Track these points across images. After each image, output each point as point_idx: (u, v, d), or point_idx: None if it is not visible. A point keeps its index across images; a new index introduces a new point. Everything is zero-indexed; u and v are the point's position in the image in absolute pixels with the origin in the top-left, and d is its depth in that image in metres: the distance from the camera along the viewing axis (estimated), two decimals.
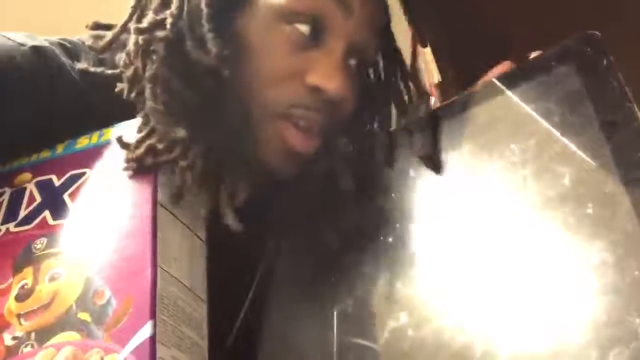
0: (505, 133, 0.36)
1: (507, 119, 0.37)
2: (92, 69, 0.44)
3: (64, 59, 0.45)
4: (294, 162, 0.41)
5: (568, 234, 0.31)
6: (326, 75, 0.39)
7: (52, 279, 0.37)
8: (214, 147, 0.40)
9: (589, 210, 0.31)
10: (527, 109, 0.36)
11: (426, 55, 0.59)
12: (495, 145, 0.36)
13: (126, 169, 0.40)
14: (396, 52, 0.46)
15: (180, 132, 0.38)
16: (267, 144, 0.40)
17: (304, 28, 0.39)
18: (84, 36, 0.45)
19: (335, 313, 0.38)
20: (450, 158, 0.38)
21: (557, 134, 0.34)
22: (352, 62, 0.42)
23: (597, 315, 0.29)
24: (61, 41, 0.46)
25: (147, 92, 0.39)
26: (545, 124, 0.34)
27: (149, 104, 0.39)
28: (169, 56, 0.39)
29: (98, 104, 0.43)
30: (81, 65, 0.45)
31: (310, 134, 0.41)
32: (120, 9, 0.42)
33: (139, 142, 0.40)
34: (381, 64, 0.45)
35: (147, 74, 0.39)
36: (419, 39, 0.55)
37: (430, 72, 0.61)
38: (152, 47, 0.39)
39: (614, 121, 0.32)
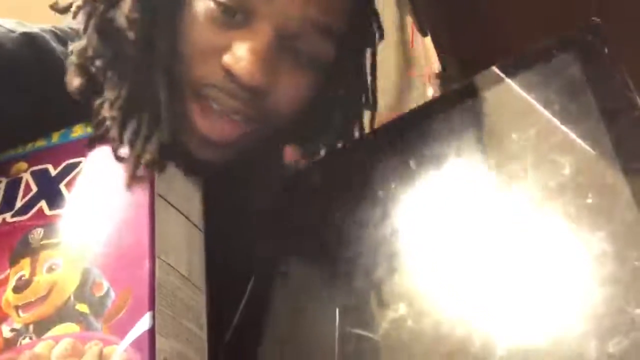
0: (505, 122, 0.36)
1: (507, 108, 0.37)
2: None
3: (55, 45, 0.44)
4: (206, 147, 0.40)
5: (568, 224, 0.31)
6: (240, 58, 0.37)
7: (49, 270, 0.37)
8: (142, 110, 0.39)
9: (589, 200, 0.31)
10: (528, 97, 0.36)
11: (426, 44, 0.59)
12: (495, 134, 0.36)
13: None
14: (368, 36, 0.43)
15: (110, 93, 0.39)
16: (180, 122, 0.39)
17: (228, 5, 0.37)
18: (74, 23, 0.45)
19: (336, 305, 0.38)
20: (450, 148, 0.38)
21: (558, 123, 0.33)
22: (299, 49, 0.39)
23: (597, 306, 0.29)
24: (52, 28, 0.45)
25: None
26: (545, 112, 0.34)
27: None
28: (100, 17, 0.39)
29: None
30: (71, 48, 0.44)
31: (226, 120, 0.39)
32: None
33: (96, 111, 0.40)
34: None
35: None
36: (419, 28, 0.54)
37: (430, 61, 0.60)
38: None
39: (615, 110, 0.32)
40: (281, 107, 0.40)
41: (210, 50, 0.38)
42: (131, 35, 0.38)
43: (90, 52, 0.40)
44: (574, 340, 0.29)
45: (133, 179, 0.38)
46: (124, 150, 0.39)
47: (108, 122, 0.40)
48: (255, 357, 0.40)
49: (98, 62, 0.40)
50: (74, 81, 0.41)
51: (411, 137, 0.40)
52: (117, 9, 0.39)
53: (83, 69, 0.41)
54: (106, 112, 0.40)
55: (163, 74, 0.39)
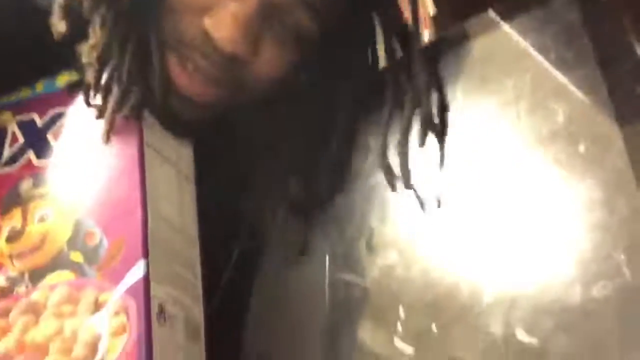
0: (499, 68, 0.35)
1: (502, 53, 0.36)
2: None
3: None
4: (185, 105, 0.39)
5: (558, 171, 0.31)
6: (221, 21, 0.36)
7: (41, 220, 0.37)
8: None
9: (581, 148, 0.31)
10: (523, 43, 0.35)
11: None
12: (490, 80, 0.35)
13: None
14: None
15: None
16: (159, 76, 0.38)
17: None
18: None
19: (327, 254, 0.38)
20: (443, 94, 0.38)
21: (553, 69, 0.33)
22: (283, 23, 0.38)
23: (584, 252, 0.29)
24: None
25: None
26: (541, 58, 0.33)
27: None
28: None
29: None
30: None
31: (202, 80, 0.38)
32: None
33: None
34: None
35: None
36: None
37: (424, 3, 0.59)
38: None
39: (612, 57, 0.31)
40: (259, 79, 0.39)
41: (193, 7, 0.37)
42: None
43: None
44: (560, 285, 0.29)
45: (110, 133, 0.38)
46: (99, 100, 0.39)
47: (86, 70, 0.39)
48: (246, 307, 0.41)
49: (85, 4, 0.39)
50: (59, 25, 0.40)
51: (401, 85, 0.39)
52: None
53: (68, 11, 0.40)
54: (85, 58, 0.39)
55: (148, 24, 0.38)
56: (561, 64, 0.33)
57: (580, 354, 0.28)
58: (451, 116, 0.37)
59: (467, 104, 0.36)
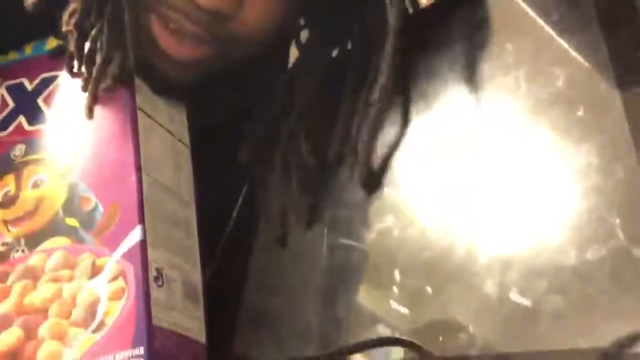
0: (501, 32, 0.35)
1: (504, 16, 0.35)
2: None
3: None
4: (172, 66, 0.38)
5: (556, 136, 0.31)
6: None
7: (35, 185, 0.37)
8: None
9: (580, 113, 0.30)
10: (524, 6, 0.34)
11: None
12: (490, 44, 0.35)
13: None
14: None
15: None
16: (143, 38, 0.37)
17: None
18: None
19: (326, 218, 0.39)
20: (443, 57, 0.37)
21: (554, 33, 0.32)
22: None
23: (579, 216, 0.29)
24: None
25: None
26: (542, 22, 0.33)
27: None
28: None
29: None
30: None
31: (186, 40, 0.37)
32: None
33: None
34: None
35: None
36: None
37: None
38: None
39: (615, 20, 0.30)
40: (246, 33, 0.38)
41: None
42: None
43: None
44: (554, 248, 0.30)
45: (92, 105, 0.37)
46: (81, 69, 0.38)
47: (68, 39, 0.38)
48: (245, 266, 0.42)
49: None
50: None
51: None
52: None
53: None
54: (64, 27, 0.38)
55: None
56: (563, 28, 0.32)
57: (573, 315, 0.28)
58: (450, 83, 0.36)
59: (466, 70, 0.36)
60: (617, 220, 0.28)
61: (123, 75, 0.37)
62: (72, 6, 0.38)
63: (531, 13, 0.34)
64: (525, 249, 0.31)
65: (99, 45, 0.38)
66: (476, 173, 0.34)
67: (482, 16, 0.36)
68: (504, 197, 0.32)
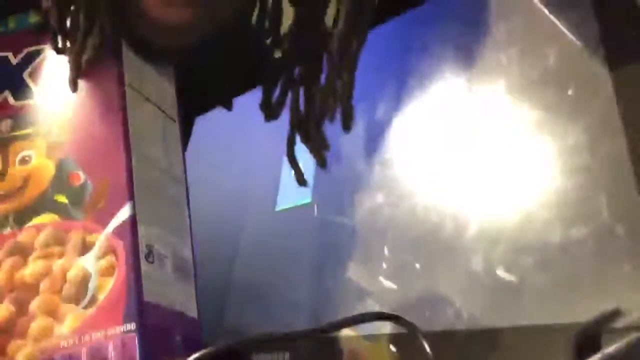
0: (492, 11, 0.35)
1: None
2: None
3: None
4: (160, 32, 0.37)
5: (547, 114, 0.31)
6: None
7: (22, 161, 0.37)
8: None
9: (570, 92, 0.30)
10: None
11: None
12: (482, 23, 0.35)
13: None
14: None
15: None
16: (128, 6, 0.36)
17: None
18: None
19: (316, 194, 0.39)
20: (435, 37, 0.37)
21: (547, 12, 0.32)
22: None
23: (565, 194, 0.30)
24: None
25: None
26: (535, 1, 0.33)
27: None
28: None
29: None
30: None
31: (172, 2, 0.35)
32: None
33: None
34: None
35: None
36: None
37: None
38: None
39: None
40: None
41: None
42: None
43: None
44: (540, 225, 0.30)
45: (76, 79, 0.36)
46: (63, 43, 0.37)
47: (49, 14, 0.37)
48: (236, 240, 0.42)
49: None
50: None
51: (395, 25, 0.38)
52: None
53: None
54: (44, 2, 0.37)
55: None
56: (556, 6, 0.32)
57: (557, 292, 0.29)
58: (440, 61, 0.36)
59: (457, 49, 0.36)
60: (603, 199, 0.28)
61: (104, 45, 0.36)
62: None
63: None
64: (512, 226, 0.31)
65: (80, 18, 0.37)
66: (465, 151, 0.34)
67: None
68: (492, 174, 0.33)
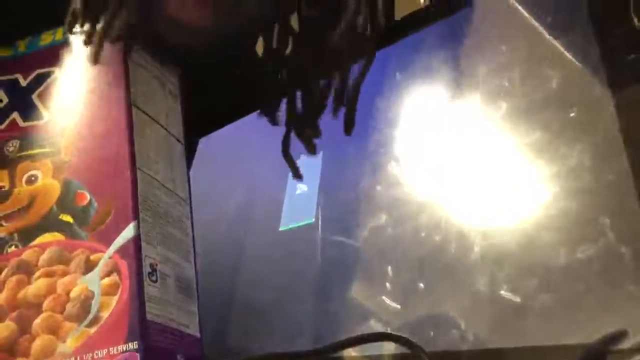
0: (495, 33, 0.35)
1: (498, 19, 0.36)
2: None
3: None
4: (175, 30, 0.37)
5: (550, 136, 0.31)
6: None
7: (29, 181, 0.37)
8: None
9: (573, 114, 0.31)
10: (519, 8, 0.34)
11: None
12: (485, 46, 0.35)
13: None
14: None
15: None
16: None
17: None
18: None
19: (320, 215, 0.39)
20: (438, 60, 0.37)
21: (548, 35, 0.33)
22: None
23: (570, 215, 0.30)
24: None
25: None
26: (536, 24, 0.33)
27: None
28: None
29: None
30: None
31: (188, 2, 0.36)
32: None
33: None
34: None
35: None
36: None
37: None
38: None
39: (607, 22, 0.31)
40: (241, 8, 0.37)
41: None
42: None
43: None
44: (545, 246, 0.30)
45: (97, 55, 0.37)
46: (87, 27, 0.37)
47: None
48: (239, 260, 0.42)
49: None
50: None
51: (398, 47, 0.39)
52: None
53: None
54: None
55: None
56: (557, 30, 0.32)
57: (562, 313, 0.28)
58: (445, 82, 0.37)
59: (461, 71, 0.36)
60: (607, 221, 0.28)
61: (129, 32, 0.37)
62: None
63: (525, 15, 0.34)
64: (516, 247, 0.31)
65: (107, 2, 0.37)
66: (469, 172, 0.34)
67: (477, 17, 0.37)
68: (496, 195, 0.33)
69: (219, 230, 0.44)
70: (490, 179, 0.33)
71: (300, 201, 0.39)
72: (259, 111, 0.40)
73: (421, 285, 0.33)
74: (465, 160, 0.34)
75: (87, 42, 0.37)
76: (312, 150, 0.38)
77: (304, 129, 0.37)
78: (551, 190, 0.31)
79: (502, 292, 0.30)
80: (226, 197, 0.44)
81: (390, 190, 0.37)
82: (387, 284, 0.35)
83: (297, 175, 0.38)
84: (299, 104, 0.38)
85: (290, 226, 0.41)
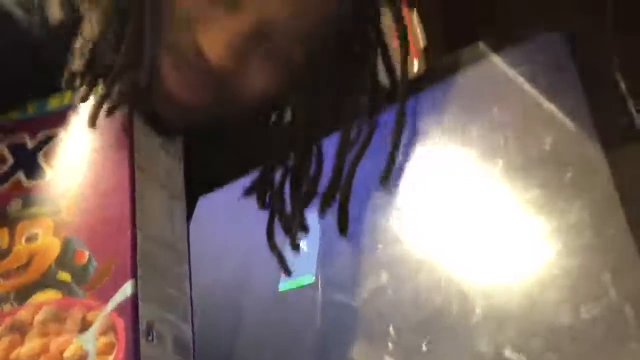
0: (488, 96, 0.37)
1: (491, 82, 0.37)
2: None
3: (14, 9, 0.43)
4: (169, 105, 0.39)
5: (548, 193, 0.32)
6: (211, 37, 0.37)
7: (29, 240, 0.37)
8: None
9: (569, 174, 0.31)
10: (512, 72, 0.36)
11: (412, 18, 0.58)
12: (479, 109, 0.36)
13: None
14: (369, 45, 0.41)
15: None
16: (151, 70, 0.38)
17: None
18: None
19: (320, 274, 0.38)
20: (433, 121, 0.39)
21: (541, 97, 0.34)
22: (273, 47, 0.38)
23: (572, 272, 0.30)
24: None
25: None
26: (529, 87, 0.35)
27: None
28: None
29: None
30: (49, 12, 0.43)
31: (189, 83, 0.38)
32: None
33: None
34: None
35: None
36: None
37: (416, 36, 0.60)
38: None
39: (597, 87, 0.32)
40: (245, 95, 0.39)
41: (190, 17, 0.38)
42: None
43: None
44: (548, 305, 0.30)
45: (95, 118, 0.38)
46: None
47: (74, 55, 0.39)
48: (238, 321, 0.41)
49: None
50: (55, 10, 0.41)
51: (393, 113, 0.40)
52: None
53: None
54: (77, 43, 0.39)
55: (146, 22, 0.38)
56: (549, 93, 0.34)
57: None
58: (440, 145, 0.38)
59: (455, 132, 0.37)
60: (609, 278, 0.28)
61: (131, 95, 0.38)
62: (88, 29, 0.39)
63: (518, 79, 0.36)
64: (520, 307, 0.31)
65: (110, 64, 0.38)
66: (469, 230, 0.34)
67: (471, 81, 0.38)
68: (497, 255, 0.33)
69: (217, 289, 0.43)
70: (489, 235, 0.33)
71: (299, 261, 0.39)
72: (247, 190, 0.42)
73: (424, 346, 0.33)
74: (464, 218, 0.35)
75: (83, 100, 0.39)
76: (296, 248, 0.38)
77: (290, 225, 0.38)
78: (552, 247, 0.31)
79: (506, 352, 0.30)
80: (225, 256, 0.44)
81: (390, 249, 0.37)
82: (389, 344, 0.34)
83: (286, 271, 0.39)
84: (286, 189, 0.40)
85: (290, 287, 0.40)
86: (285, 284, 0.40)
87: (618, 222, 0.29)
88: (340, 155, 0.39)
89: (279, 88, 0.40)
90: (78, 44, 0.40)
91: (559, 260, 0.30)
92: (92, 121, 0.38)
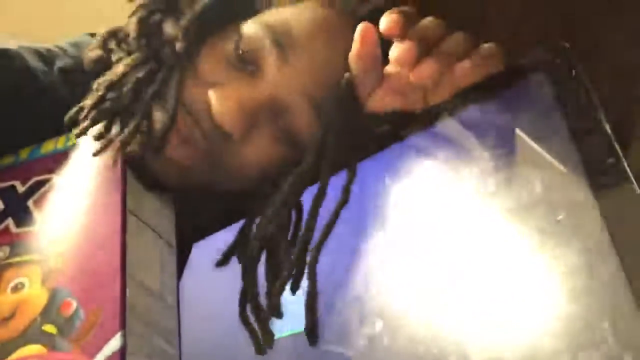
0: (475, 140, 0.37)
1: (479, 127, 0.37)
2: (68, 67, 0.44)
3: (34, 62, 0.43)
4: (164, 165, 0.39)
5: (540, 239, 0.32)
6: (224, 96, 0.37)
7: (15, 289, 0.36)
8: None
9: (560, 217, 0.31)
10: (499, 116, 0.36)
11: None
12: (466, 153, 0.37)
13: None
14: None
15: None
16: (168, 125, 0.39)
17: (245, 57, 0.39)
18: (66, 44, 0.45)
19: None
20: (421, 168, 0.39)
21: (529, 141, 0.34)
22: (283, 122, 0.39)
23: (568, 320, 0.29)
24: (37, 47, 0.45)
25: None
26: (516, 131, 0.35)
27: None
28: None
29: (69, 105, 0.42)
30: (59, 64, 0.44)
31: (187, 143, 0.38)
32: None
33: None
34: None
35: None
36: None
37: None
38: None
39: (583, 129, 0.33)
40: (240, 164, 0.39)
41: (209, 78, 0.39)
42: (179, 45, 0.39)
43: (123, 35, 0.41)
44: (546, 354, 0.29)
45: (101, 152, 0.38)
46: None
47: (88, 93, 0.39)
48: None
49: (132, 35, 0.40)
50: (93, 53, 0.42)
51: (387, 154, 0.41)
52: (173, 18, 0.40)
53: (105, 45, 0.41)
54: (96, 84, 0.39)
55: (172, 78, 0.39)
56: (536, 136, 0.34)
57: None
58: (430, 190, 0.38)
59: (445, 178, 0.37)
60: (606, 324, 0.28)
61: (151, 145, 0.38)
62: (114, 71, 0.40)
63: (504, 122, 0.36)
64: (516, 355, 0.30)
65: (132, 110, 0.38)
66: (463, 279, 0.34)
67: (457, 127, 0.38)
68: (491, 303, 0.32)
69: (209, 338, 0.42)
70: (484, 285, 0.33)
71: (295, 307, 0.38)
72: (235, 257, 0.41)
73: None
74: (458, 265, 0.34)
75: (80, 135, 0.38)
76: (269, 342, 0.36)
77: (259, 313, 0.37)
78: (546, 295, 0.30)
79: None
80: (217, 304, 0.43)
81: (383, 296, 0.36)
82: None
83: (258, 350, 0.36)
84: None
85: (282, 335, 0.39)
86: (280, 332, 0.39)
87: (610, 266, 0.28)
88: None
89: (280, 164, 0.40)
90: (96, 84, 0.40)
91: (553, 308, 0.30)
92: (99, 154, 0.38)
